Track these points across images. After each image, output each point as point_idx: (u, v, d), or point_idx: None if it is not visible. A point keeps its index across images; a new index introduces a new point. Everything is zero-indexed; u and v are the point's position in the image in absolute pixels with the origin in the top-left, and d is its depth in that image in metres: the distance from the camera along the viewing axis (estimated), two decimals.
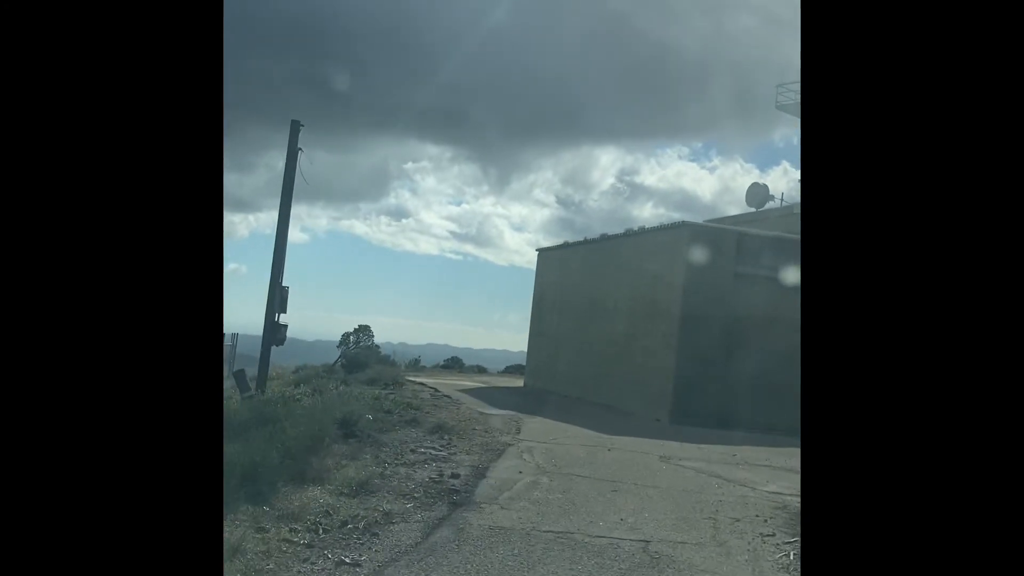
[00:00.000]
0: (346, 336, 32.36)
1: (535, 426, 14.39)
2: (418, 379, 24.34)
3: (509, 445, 11.67)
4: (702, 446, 13.16)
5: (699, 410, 16.71)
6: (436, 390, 20.76)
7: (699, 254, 17.06)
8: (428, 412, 14.56)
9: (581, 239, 23.14)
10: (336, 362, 22.67)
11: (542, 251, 25.81)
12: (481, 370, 37.46)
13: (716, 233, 17.62)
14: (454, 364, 39.65)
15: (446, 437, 11.68)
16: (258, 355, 14.89)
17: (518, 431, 13.49)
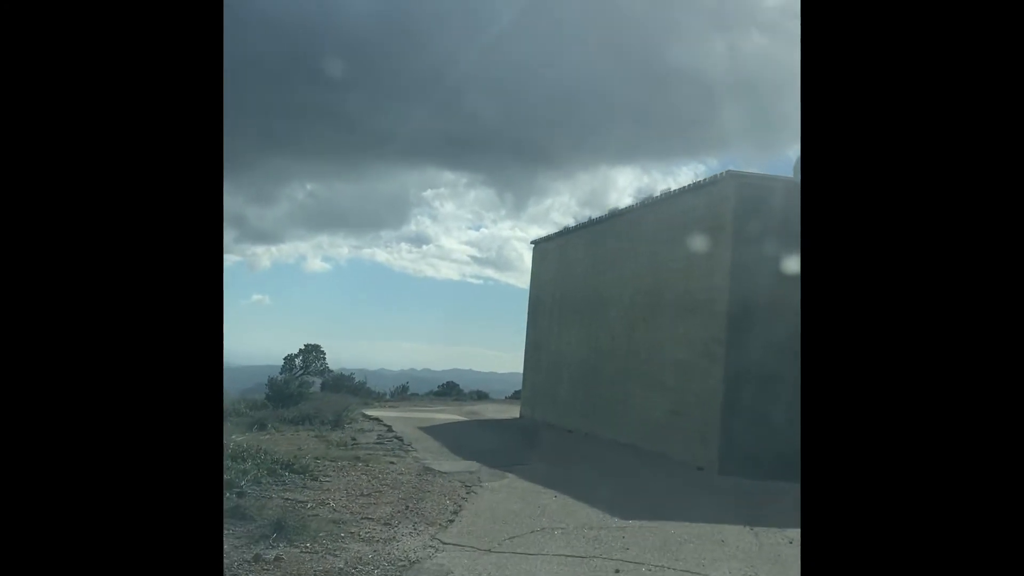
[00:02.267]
0: (289, 360, 26.60)
1: (497, 503, 8.30)
2: (382, 412, 18.73)
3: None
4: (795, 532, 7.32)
5: (760, 452, 10.93)
6: (390, 429, 15.12)
7: (752, 219, 11.36)
8: (324, 478, 8.88)
9: (585, 219, 17.48)
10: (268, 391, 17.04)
11: (538, 243, 20.15)
12: (481, 396, 31.79)
13: (776, 189, 11.73)
14: (449, 391, 33.90)
15: (276, 546, 5.85)
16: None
17: (455, 515, 7.52)
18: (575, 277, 17.47)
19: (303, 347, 26.67)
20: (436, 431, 15.26)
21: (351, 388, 25.74)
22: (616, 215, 15.78)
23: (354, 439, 13.29)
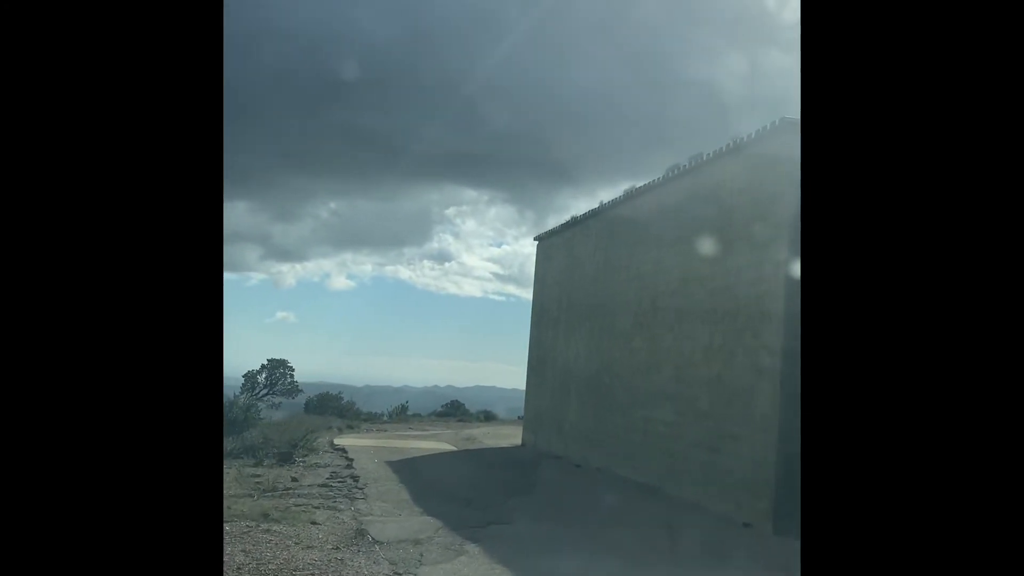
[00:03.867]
0: (250, 377, 23.39)
1: None
2: (356, 440, 15.73)
3: None
4: None
5: None
6: (350, 464, 12.09)
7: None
8: None
9: (597, 204, 14.35)
10: None
11: (542, 239, 17.07)
12: (488, 417, 28.67)
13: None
14: (454, 411, 30.72)
15: None
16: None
17: None
18: (585, 276, 14.38)
19: (266, 362, 23.48)
20: (408, 467, 12.20)
21: (338, 408, 22.75)
22: (634, 196, 12.67)
23: (295, 479, 10.28)
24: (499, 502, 9.31)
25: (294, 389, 23.14)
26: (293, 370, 23.25)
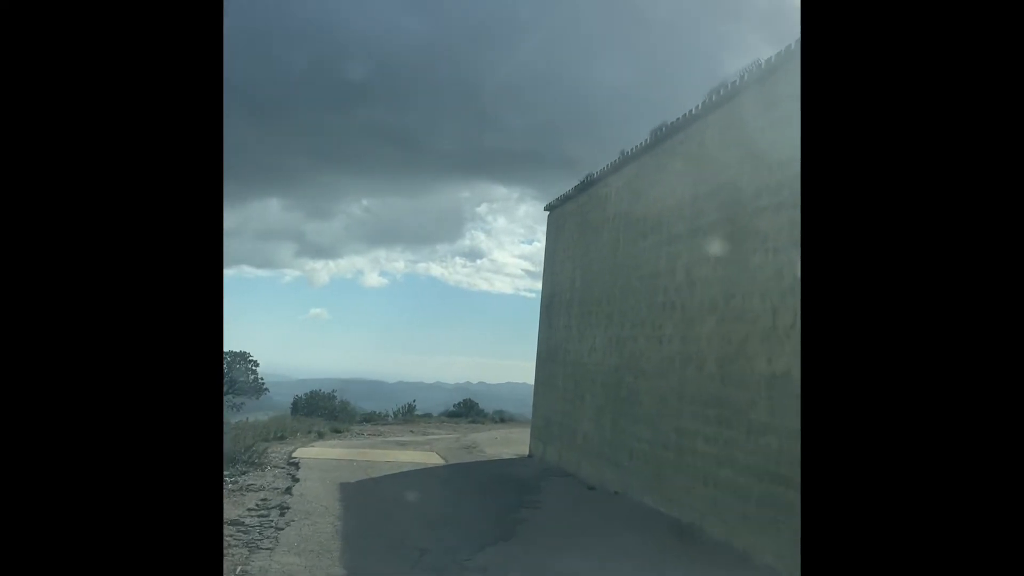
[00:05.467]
0: None
1: None
2: (324, 450, 13.03)
3: None
4: None
5: None
6: (290, 488, 9.33)
7: None
8: None
9: (617, 156, 11.37)
10: None
11: (553, 208, 14.15)
12: (503, 419, 25.80)
13: None
14: (466, 411, 27.83)
15: None
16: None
17: None
18: (602, 248, 11.46)
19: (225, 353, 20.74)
20: (365, 492, 9.41)
21: (329, 409, 20.04)
22: (664, 137, 9.67)
23: None
24: (466, 556, 6.46)
25: (258, 388, 20.27)
26: (256, 364, 20.37)
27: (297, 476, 10.07)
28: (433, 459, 12.70)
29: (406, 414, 25.18)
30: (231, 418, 14.08)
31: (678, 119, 9.12)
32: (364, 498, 8.94)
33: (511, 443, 15.97)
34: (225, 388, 19.48)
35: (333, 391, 21.73)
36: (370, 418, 23.90)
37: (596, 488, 10.24)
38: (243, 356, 20.19)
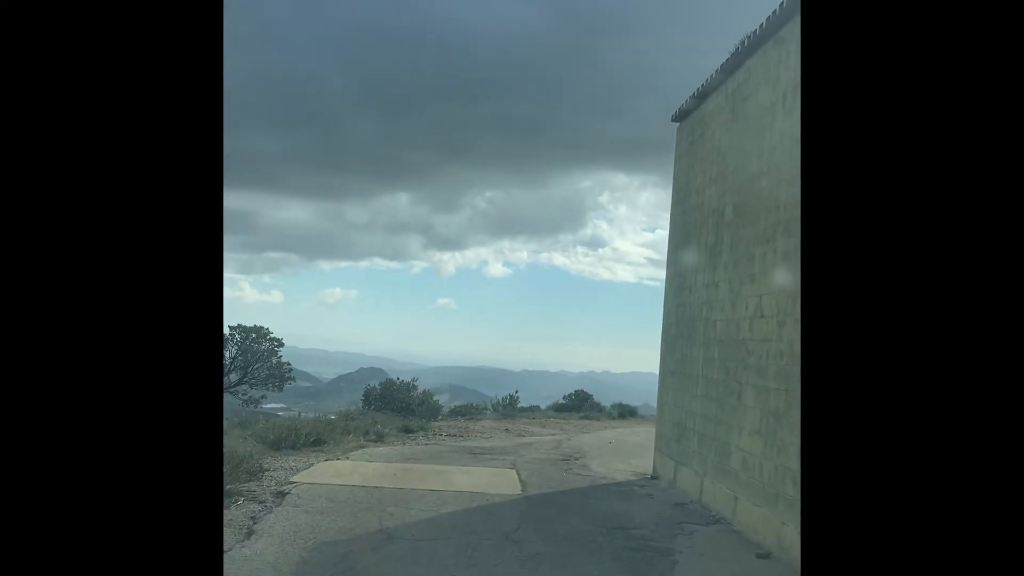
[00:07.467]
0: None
1: None
2: (362, 467, 9.28)
3: None
4: None
5: None
6: (247, 540, 5.39)
7: None
8: None
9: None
10: None
11: (687, 114, 9.70)
12: (626, 413, 21.41)
13: None
14: (579, 405, 23.47)
15: None
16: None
17: None
18: (777, 146, 6.98)
19: (232, 328, 15.42)
20: (351, 561, 5.39)
21: (405, 402, 16.27)
22: None
23: None
24: None
25: (282, 375, 16.00)
26: (280, 343, 16.00)
27: (252, 528, 6.16)
28: (505, 484, 8.58)
29: (507, 407, 21.26)
30: (234, 417, 10.46)
31: None
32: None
33: (629, 450, 11.74)
34: (236, 377, 15.35)
35: (415, 380, 17.96)
36: (464, 411, 20.13)
37: (772, 554, 5.85)
38: (258, 330, 15.37)
